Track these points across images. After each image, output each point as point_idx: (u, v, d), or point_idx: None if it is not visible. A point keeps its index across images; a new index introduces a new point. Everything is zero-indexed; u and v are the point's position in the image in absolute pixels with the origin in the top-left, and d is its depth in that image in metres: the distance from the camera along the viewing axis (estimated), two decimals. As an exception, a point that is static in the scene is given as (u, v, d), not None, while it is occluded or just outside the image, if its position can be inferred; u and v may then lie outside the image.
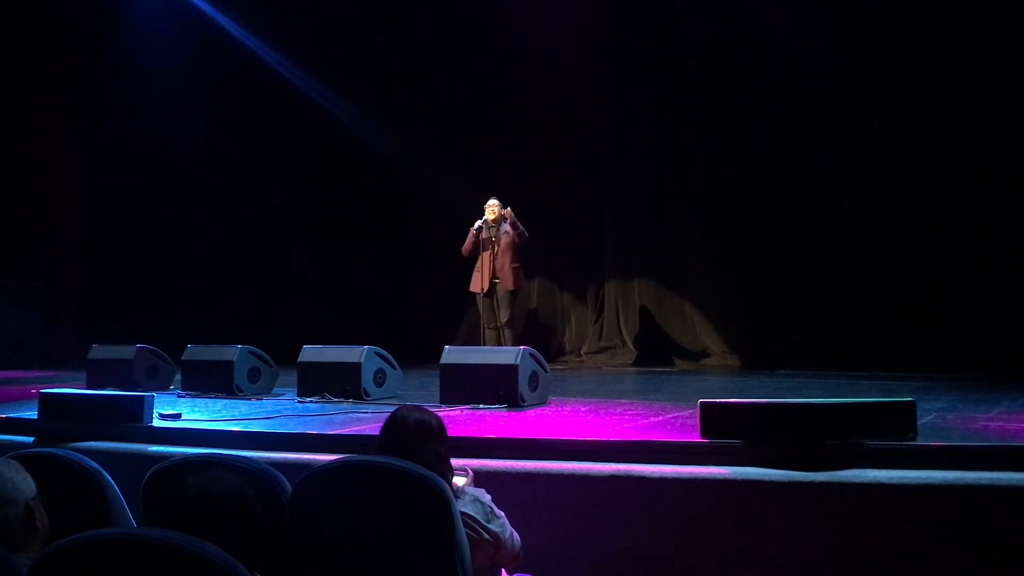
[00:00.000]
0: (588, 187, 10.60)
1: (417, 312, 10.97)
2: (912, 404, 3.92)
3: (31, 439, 5.30)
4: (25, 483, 2.41)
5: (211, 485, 2.31)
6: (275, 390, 7.20)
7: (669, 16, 9.97)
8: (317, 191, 11.63)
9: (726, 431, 3.95)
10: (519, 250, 8.84)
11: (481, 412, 5.62)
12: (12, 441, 5.27)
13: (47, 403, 5.37)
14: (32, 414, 5.60)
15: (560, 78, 10.33)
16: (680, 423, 4.83)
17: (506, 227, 8.77)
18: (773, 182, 9.40)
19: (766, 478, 3.77)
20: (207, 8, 11.40)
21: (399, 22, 11.01)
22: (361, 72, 11.28)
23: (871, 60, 8.89)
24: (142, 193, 11.69)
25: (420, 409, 3.14)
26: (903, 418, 3.86)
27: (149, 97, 11.60)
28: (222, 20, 11.40)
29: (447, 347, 6.28)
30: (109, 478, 3.17)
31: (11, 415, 5.78)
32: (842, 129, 9.07)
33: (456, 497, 2.91)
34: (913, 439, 3.82)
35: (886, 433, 3.83)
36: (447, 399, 5.90)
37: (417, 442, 2.99)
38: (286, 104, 11.45)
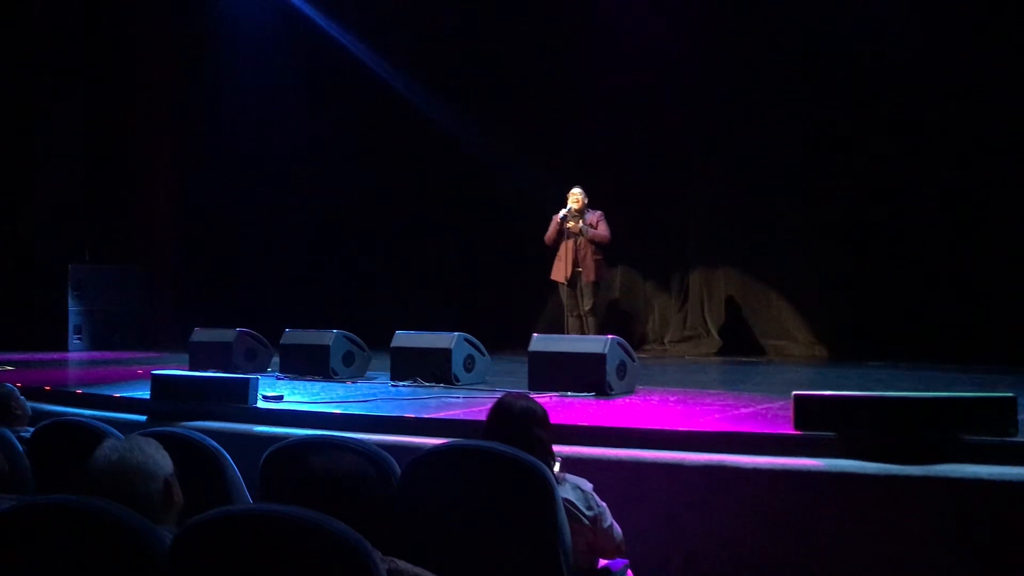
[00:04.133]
0: (672, 175, 10.55)
1: (500, 300, 11.09)
2: (1012, 400, 3.87)
3: (144, 418, 5.59)
4: (164, 459, 2.58)
5: (335, 465, 2.45)
6: (368, 373, 7.42)
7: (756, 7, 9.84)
8: (404, 179, 11.83)
9: (820, 423, 3.97)
10: (601, 243, 8.87)
11: (569, 400, 5.71)
12: (126, 419, 5.57)
13: (159, 384, 5.65)
14: (144, 394, 5.90)
15: (644, 63, 10.27)
16: (772, 414, 4.85)
17: (589, 218, 8.81)
18: (863, 169, 9.23)
19: (861, 471, 3.78)
20: (295, 1, 11.67)
21: (482, 9, 11.08)
22: (447, 62, 11.40)
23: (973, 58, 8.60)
24: (235, 181, 12.07)
25: (525, 397, 3.25)
26: (1003, 413, 3.82)
27: (240, 89, 11.95)
28: (307, 10, 11.63)
29: (535, 335, 6.39)
30: (228, 457, 3.36)
31: (125, 395, 6.09)
32: (937, 116, 8.85)
33: (557, 483, 3.01)
34: (1014, 435, 3.78)
35: (984, 428, 3.80)
36: (535, 386, 6.01)
37: (522, 429, 3.09)
38: (370, 94, 11.62)
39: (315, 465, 2.53)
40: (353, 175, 12.03)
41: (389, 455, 3.14)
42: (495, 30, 11.00)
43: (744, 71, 9.96)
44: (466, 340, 6.81)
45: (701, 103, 10.29)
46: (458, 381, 6.63)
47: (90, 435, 3.54)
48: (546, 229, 8.93)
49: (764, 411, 5.03)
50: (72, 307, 11.44)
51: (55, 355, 10.60)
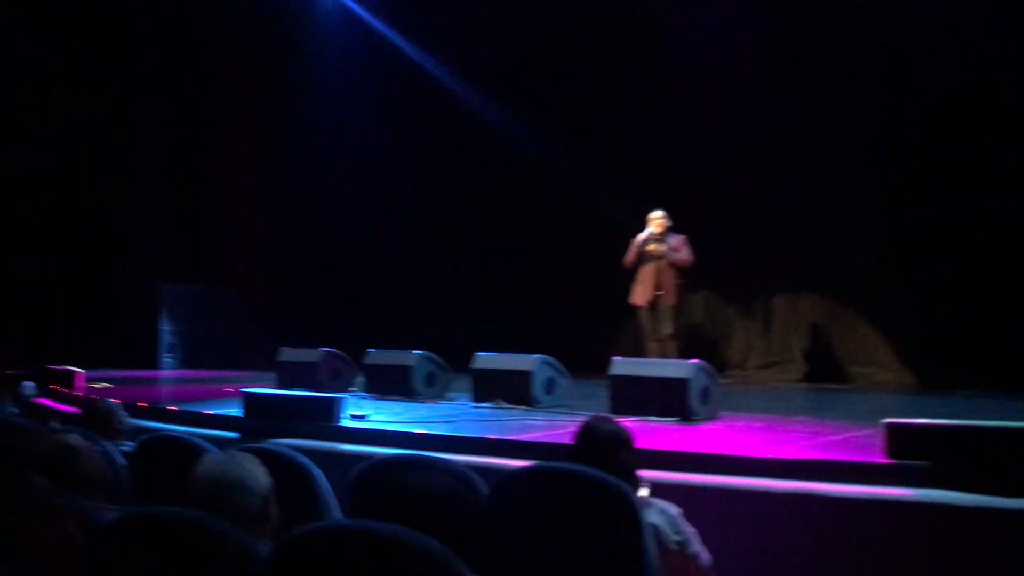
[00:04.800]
0: (755, 198, 10.42)
1: (579, 323, 11.08)
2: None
3: (236, 435, 5.75)
4: (263, 475, 2.65)
5: (426, 484, 2.49)
6: (449, 394, 7.50)
7: (836, 28, 9.69)
8: (483, 203, 11.94)
9: (914, 452, 3.87)
10: (683, 267, 8.79)
11: (652, 424, 5.68)
12: (219, 436, 5.73)
13: (250, 402, 5.81)
14: (235, 411, 6.07)
15: (727, 85, 10.20)
16: (861, 442, 4.74)
17: (671, 242, 8.75)
18: (954, 194, 8.98)
19: (956, 502, 3.67)
20: (378, 25, 11.92)
21: (564, 31, 11.14)
22: (526, 84, 11.50)
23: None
24: (319, 204, 12.38)
25: (610, 420, 3.25)
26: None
27: (323, 113, 12.28)
28: (391, 35, 11.88)
29: (616, 358, 6.37)
30: (320, 474, 3.43)
31: (217, 412, 6.27)
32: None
33: (644, 508, 3.00)
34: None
35: (1091, 461, 3.66)
36: (617, 409, 5.98)
37: (608, 452, 3.09)
38: (450, 118, 11.79)
39: (407, 483, 2.58)
40: (434, 198, 12.19)
41: (477, 476, 3.18)
42: (575, 53, 11.07)
43: (830, 93, 9.80)
44: (547, 363, 6.83)
45: (785, 126, 10.15)
46: (539, 403, 6.65)
47: (188, 450, 3.66)
48: (627, 252, 8.88)
49: (853, 439, 4.92)
50: (164, 327, 11.85)
51: (149, 373, 10.98)
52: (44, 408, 7.16)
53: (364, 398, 7.37)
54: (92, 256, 12.62)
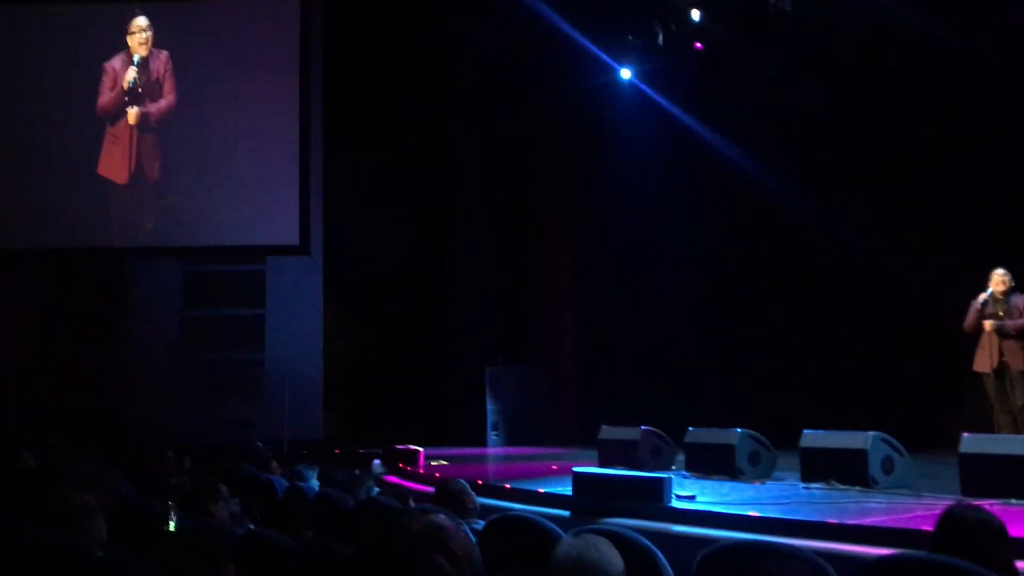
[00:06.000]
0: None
1: (912, 394, 10.31)
2: None
3: (567, 512, 5.94)
4: (616, 558, 2.73)
5: (784, 573, 2.44)
6: (775, 473, 7.26)
7: None
8: (792, 276, 11.59)
9: None
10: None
11: (1015, 508, 5.14)
12: (549, 513, 5.95)
13: (580, 481, 5.99)
14: (564, 489, 6.28)
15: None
16: None
17: (1017, 301, 7.97)
18: None
19: None
20: (672, 108, 12.13)
21: (850, 101, 10.75)
22: (816, 150, 11.16)
23: None
24: (629, 281, 12.63)
25: (977, 508, 3.01)
26: None
27: (628, 196, 12.61)
28: (685, 117, 12.03)
29: (965, 435, 5.86)
30: (663, 558, 3.46)
31: (548, 490, 6.52)
32: None
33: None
34: None
35: None
36: (970, 491, 5.49)
37: (976, 543, 2.86)
38: (745, 194, 11.65)
39: (761, 572, 2.54)
40: (740, 273, 12.02)
41: (827, 564, 3.05)
42: (861, 116, 10.63)
43: None
44: (883, 439, 6.42)
45: None
46: (876, 484, 6.25)
47: (536, 530, 3.84)
48: (966, 315, 8.20)
49: None
50: (489, 405, 12.57)
51: (478, 450, 11.65)
52: (401, 487, 7.83)
53: (686, 477, 7.32)
54: (425, 342, 13.78)
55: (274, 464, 7.37)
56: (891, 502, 5.66)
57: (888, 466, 6.38)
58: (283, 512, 4.44)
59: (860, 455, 6.31)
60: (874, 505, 5.60)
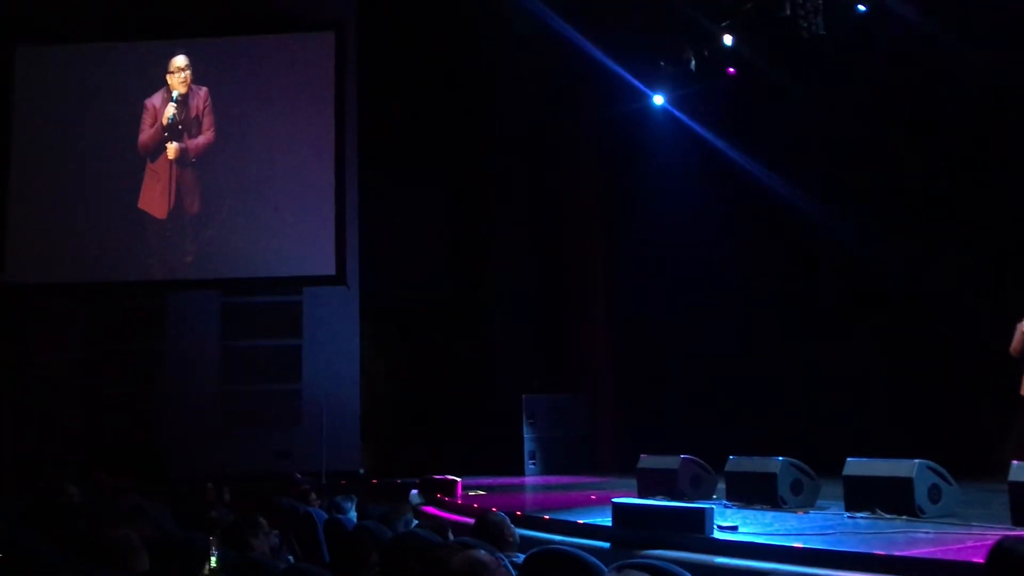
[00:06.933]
0: None
1: (959, 420, 10.10)
2: None
3: (607, 544, 5.87)
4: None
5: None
6: (818, 502, 7.13)
7: None
8: (830, 300, 11.47)
9: None
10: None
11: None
12: (589, 545, 5.89)
13: (620, 512, 5.93)
14: (604, 520, 6.21)
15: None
16: None
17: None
18: None
19: None
20: (706, 133, 12.10)
21: (885, 127, 10.67)
22: (862, 185, 11.04)
23: None
24: (666, 310, 12.54)
25: (1029, 542, 2.92)
26: None
27: (664, 221, 12.55)
28: (718, 142, 11.99)
29: (1015, 462, 5.72)
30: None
31: (588, 521, 6.46)
32: None
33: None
34: None
35: None
36: (1021, 521, 5.35)
37: (1032, 578, 2.78)
38: (783, 216, 11.56)
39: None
40: (776, 297, 11.91)
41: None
42: (897, 138, 10.54)
43: None
44: (929, 468, 6.29)
45: None
46: (923, 513, 6.12)
47: (576, 564, 3.81)
48: (1012, 339, 8.04)
49: None
50: (526, 435, 12.51)
51: (515, 480, 11.59)
52: (439, 519, 7.79)
53: (727, 507, 7.22)
54: (461, 371, 13.79)
55: (313, 496, 7.37)
56: (939, 532, 5.54)
57: (935, 495, 6.24)
58: (352, 547, 4.39)
59: (906, 483, 6.19)
60: (921, 536, 5.48)
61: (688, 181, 12.45)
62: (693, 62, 11.39)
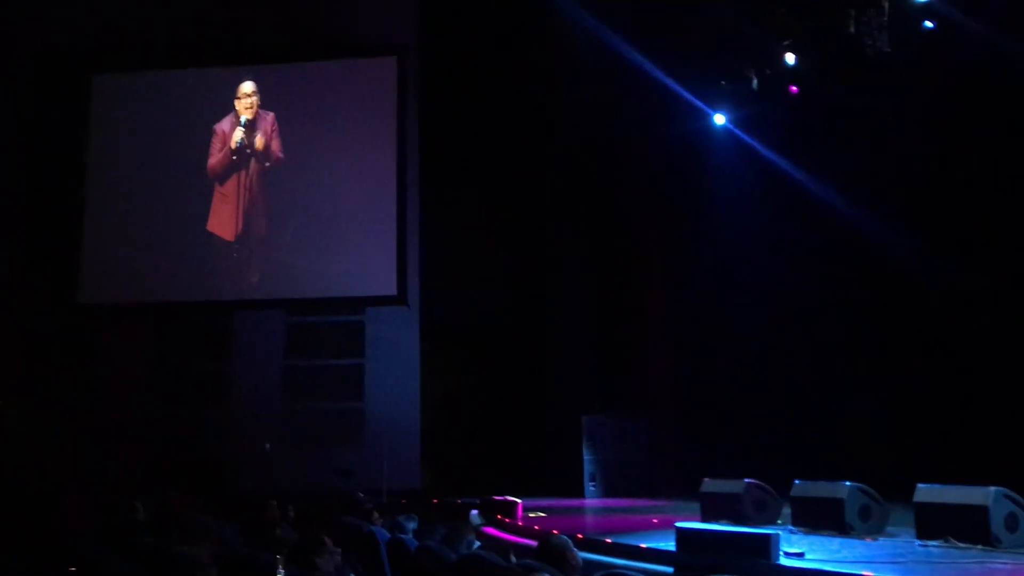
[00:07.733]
0: None
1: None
2: None
3: (670, 569, 5.80)
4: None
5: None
6: (888, 529, 6.96)
7: None
8: (899, 324, 11.21)
9: None
10: None
11: None
12: (652, 570, 5.83)
13: (683, 537, 5.86)
14: (667, 545, 6.14)
15: None
16: None
17: None
18: None
19: None
20: (767, 152, 11.98)
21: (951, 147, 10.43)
22: (928, 203, 10.80)
23: None
24: (728, 332, 12.40)
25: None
26: None
27: (723, 240, 12.44)
28: (780, 161, 11.85)
29: None
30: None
31: (651, 545, 6.39)
32: None
33: None
34: None
35: None
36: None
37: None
38: (847, 236, 11.36)
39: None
40: (842, 318, 11.69)
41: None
42: (963, 156, 10.30)
43: None
44: (1006, 496, 6.10)
45: None
46: (1000, 543, 5.93)
47: (640, 589, 3.76)
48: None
49: None
50: (586, 456, 12.45)
51: (575, 502, 11.52)
52: (499, 540, 7.78)
53: (793, 532, 7.08)
54: (521, 392, 13.79)
55: (375, 515, 7.41)
56: (1017, 563, 5.36)
57: (1012, 524, 6.05)
58: (416, 569, 4.42)
59: (981, 511, 6.00)
60: (999, 566, 5.31)
61: (750, 201, 12.33)
62: (755, 81, 11.30)
